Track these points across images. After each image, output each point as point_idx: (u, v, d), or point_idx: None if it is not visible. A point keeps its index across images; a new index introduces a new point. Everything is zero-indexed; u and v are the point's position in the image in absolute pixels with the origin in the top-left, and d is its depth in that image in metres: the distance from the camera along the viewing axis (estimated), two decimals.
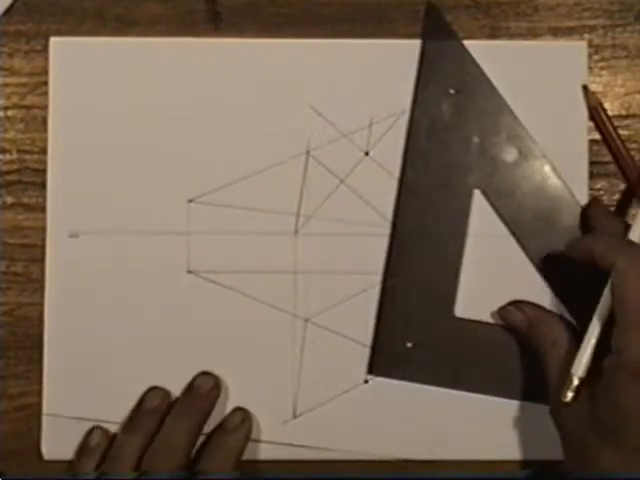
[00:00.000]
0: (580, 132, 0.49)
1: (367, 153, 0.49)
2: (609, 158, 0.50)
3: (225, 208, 0.49)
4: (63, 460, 0.48)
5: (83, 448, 0.48)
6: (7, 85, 0.50)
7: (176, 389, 0.48)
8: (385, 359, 0.49)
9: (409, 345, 0.49)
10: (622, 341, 0.41)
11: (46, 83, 0.49)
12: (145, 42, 0.50)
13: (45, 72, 0.50)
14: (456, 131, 0.49)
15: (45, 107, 0.49)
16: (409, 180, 0.49)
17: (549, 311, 0.48)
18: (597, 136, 0.50)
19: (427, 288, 0.49)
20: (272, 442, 0.49)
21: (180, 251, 0.49)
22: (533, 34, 0.50)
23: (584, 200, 0.49)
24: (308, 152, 0.49)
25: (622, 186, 0.50)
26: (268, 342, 0.49)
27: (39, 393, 0.49)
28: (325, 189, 0.49)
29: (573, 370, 0.43)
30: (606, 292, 0.43)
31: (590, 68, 0.50)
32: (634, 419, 0.40)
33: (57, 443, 0.48)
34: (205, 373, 0.48)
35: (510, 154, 0.49)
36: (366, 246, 0.49)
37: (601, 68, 0.50)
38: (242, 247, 0.49)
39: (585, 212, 0.49)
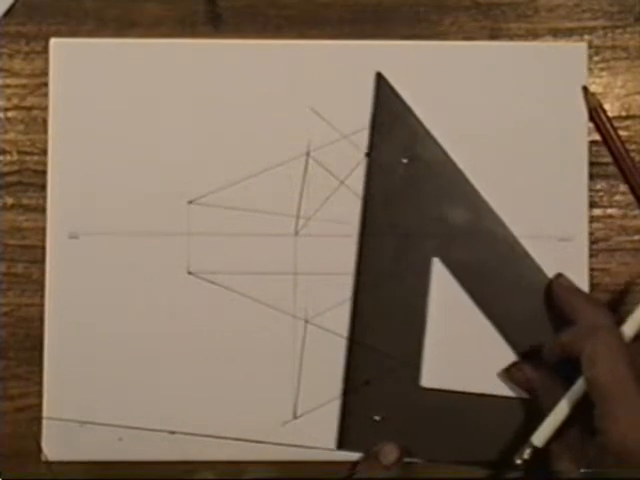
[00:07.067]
0: (580, 133, 0.49)
1: (367, 154, 0.49)
2: (609, 159, 0.50)
3: (225, 209, 0.49)
4: (64, 461, 0.49)
5: None
6: (7, 86, 0.50)
7: (176, 390, 0.49)
8: (354, 434, 0.48)
9: (377, 418, 0.48)
10: (602, 425, 0.42)
11: (46, 84, 0.49)
12: (145, 43, 0.50)
13: (45, 73, 0.50)
14: (411, 199, 0.49)
15: (45, 108, 0.49)
16: (367, 251, 0.49)
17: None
18: (597, 137, 0.50)
19: (391, 359, 0.48)
20: (272, 442, 0.49)
21: (180, 252, 0.49)
22: (533, 35, 0.50)
23: (584, 204, 0.49)
24: (308, 153, 0.49)
25: (622, 187, 0.50)
26: (268, 342, 0.49)
27: (39, 394, 0.49)
28: (325, 190, 0.49)
29: (533, 439, 0.44)
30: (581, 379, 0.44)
31: (590, 69, 0.50)
32: None
33: (58, 444, 0.49)
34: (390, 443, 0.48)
35: (467, 220, 0.49)
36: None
37: (601, 69, 0.50)
38: (242, 248, 0.49)
39: (551, 289, 0.48)
